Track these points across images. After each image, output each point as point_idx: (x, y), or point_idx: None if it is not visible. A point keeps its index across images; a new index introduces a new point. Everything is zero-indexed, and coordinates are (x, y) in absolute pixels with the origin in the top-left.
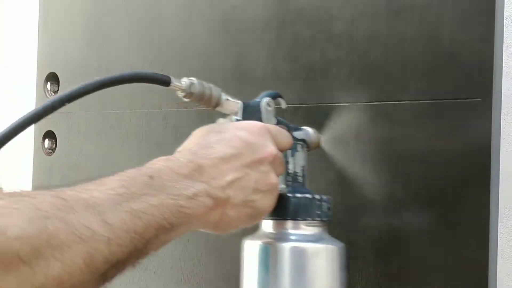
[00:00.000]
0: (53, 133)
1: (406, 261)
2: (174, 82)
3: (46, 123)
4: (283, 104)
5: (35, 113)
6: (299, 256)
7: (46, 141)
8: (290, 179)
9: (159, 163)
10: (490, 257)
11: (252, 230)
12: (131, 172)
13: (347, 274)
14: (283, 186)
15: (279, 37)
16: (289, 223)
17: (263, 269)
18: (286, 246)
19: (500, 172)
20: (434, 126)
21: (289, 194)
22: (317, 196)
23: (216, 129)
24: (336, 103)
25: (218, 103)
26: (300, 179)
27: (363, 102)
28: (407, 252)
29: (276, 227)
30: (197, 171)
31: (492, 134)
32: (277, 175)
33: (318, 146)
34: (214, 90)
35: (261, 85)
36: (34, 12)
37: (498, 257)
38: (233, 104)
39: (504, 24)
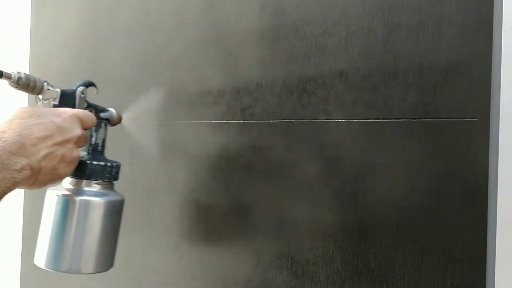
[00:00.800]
0: None
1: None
2: (5, 74)
3: None
4: (95, 91)
5: None
6: (86, 206)
7: None
8: (92, 149)
9: None
10: (487, 280)
11: None
12: None
13: (121, 220)
14: (85, 153)
15: (273, 50)
16: (84, 182)
17: (58, 216)
18: (77, 198)
19: (498, 193)
20: (430, 145)
21: (88, 161)
22: (109, 164)
23: (36, 113)
24: (330, 119)
25: (41, 91)
26: (100, 148)
27: (359, 119)
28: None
29: (75, 184)
30: (21, 149)
31: (489, 155)
32: (81, 147)
33: (119, 122)
34: (38, 81)
35: (254, 97)
36: (25, 23)
37: (496, 276)
38: (53, 92)
39: (502, 42)
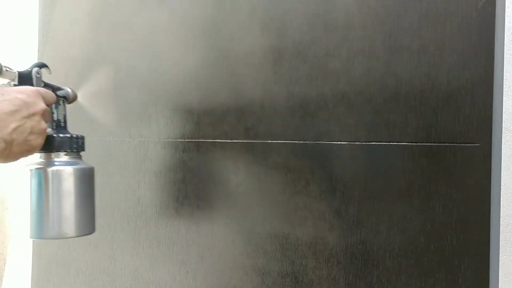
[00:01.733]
0: None
1: None
2: None
3: None
4: (49, 71)
5: None
6: (59, 175)
7: None
8: (55, 124)
9: None
10: None
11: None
12: None
13: (94, 187)
14: (50, 129)
15: (276, 71)
16: (54, 154)
17: (35, 188)
18: (50, 169)
19: (501, 218)
20: (432, 169)
21: (55, 135)
22: (74, 135)
23: (0, 92)
24: (333, 141)
25: (0, 73)
26: (62, 124)
27: (361, 142)
28: None
29: (45, 157)
30: None
31: (491, 180)
32: (46, 123)
33: (75, 100)
34: None
35: (258, 117)
36: (34, 30)
37: None
38: (11, 73)
39: (504, 66)
